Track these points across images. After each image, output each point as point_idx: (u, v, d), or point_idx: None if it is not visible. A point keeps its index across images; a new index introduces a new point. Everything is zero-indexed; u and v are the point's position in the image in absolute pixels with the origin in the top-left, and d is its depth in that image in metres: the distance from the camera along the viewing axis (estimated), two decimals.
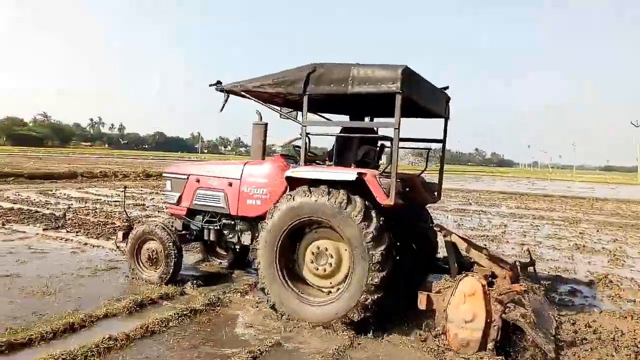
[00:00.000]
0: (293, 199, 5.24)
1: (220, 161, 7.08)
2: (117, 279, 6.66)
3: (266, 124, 5.82)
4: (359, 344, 4.83)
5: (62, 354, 4.06)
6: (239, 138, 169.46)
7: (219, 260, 7.78)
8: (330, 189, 5.06)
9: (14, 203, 13.84)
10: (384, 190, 4.93)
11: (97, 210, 13.09)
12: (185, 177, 6.79)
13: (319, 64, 5.27)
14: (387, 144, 6.32)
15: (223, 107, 6.10)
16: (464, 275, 4.72)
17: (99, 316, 5.04)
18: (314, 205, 5.10)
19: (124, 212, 8.44)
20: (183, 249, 6.61)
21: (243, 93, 5.85)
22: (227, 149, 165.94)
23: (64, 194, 16.90)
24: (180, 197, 6.82)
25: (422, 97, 5.45)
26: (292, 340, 4.85)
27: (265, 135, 5.85)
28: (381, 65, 4.98)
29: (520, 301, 4.63)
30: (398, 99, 4.83)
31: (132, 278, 6.60)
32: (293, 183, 5.43)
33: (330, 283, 5.31)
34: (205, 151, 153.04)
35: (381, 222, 4.90)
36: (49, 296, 5.80)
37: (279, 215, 5.30)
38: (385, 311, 5.17)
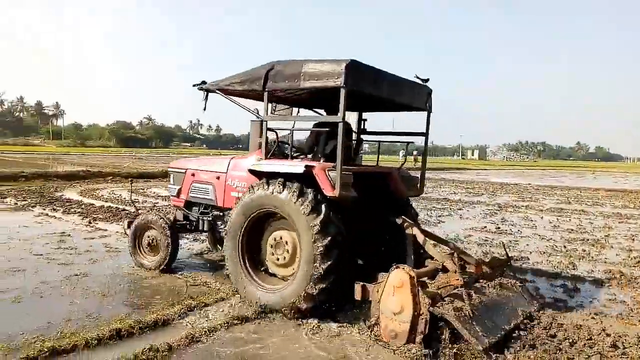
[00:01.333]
0: (253, 191, 5.57)
1: (212, 156, 7.41)
2: (175, 281, 6.55)
3: (262, 121, 5.92)
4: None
5: None
6: None
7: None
8: (286, 182, 5.31)
9: (105, 201, 14.57)
10: (330, 183, 5.08)
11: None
12: (184, 171, 7.31)
13: (277, 62, 5.56)
14: (368, 137, 7.08)
15: (205, 106, 6.42)
16: (394, 267, 4.69)
17: (149, 322, 4.85)
18: (270, 197, 5.38)
19: (132, 203, 9.34)
20: (179, 237, 7.22)
21: (218, 91, 6.16)
22: None
23: (154, 192, 17.61)
24: (179, 190, 7.36)
25: (382, 91, 5.54)
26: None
27: (262, 131, 5.96)
28: (329, 60, 5.14)
29: (460, 295, 4.67)
30: (342, 93, 4.95)
31: (134, 265, 7.13)
32: (257, 176, 5.70)
33: (293, 270, 5.42)
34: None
35: (329, 215, 5.06)
36: (107, 298, 5.77)
37: (241, 206, 5.67)
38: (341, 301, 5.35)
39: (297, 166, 5.33)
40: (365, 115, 7.04)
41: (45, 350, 4.13)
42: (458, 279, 4.86)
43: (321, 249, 4.99)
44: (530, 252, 9.26)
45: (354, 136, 6.85)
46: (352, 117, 6.83)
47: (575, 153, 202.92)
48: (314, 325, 5.10)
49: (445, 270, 5.23)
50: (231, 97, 6.23)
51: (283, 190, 5.28)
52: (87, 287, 6.11)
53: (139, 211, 8.15)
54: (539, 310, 5.62)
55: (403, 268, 4.64)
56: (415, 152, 52.17)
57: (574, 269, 8.06)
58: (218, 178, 6.69)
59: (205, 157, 8.25)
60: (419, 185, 6.49)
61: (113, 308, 5.42)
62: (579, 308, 5.98)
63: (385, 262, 5.13)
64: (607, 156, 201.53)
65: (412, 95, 6.08)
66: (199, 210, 7.16)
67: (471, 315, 4.51)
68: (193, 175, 7.13)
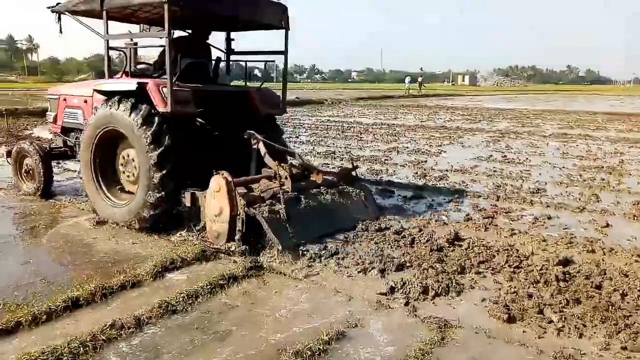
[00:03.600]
0: (97, 111, 5.78)
1: (83, 81, 7.63)
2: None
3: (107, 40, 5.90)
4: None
5: (43, 352, 3.01)
6: (314, 65, 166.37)
7: None
8: (122, 99, 5.45)
9: None
10: (163, 99, 5.23)
11: None
12: (57, 96, 7.26)
13: None
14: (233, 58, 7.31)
15: (60, 29, 6.33)
16: (215, 173, 4.99)
17: (114, 287, 3.97)
18: (110, 116, 5.55)
19: (8, 132, 9.75)
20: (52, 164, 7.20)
21: (67, 13, 6.06)
22: (302, 76, 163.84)
23: None
24: (55, 116, 7.32)
25: (220, 8, 5.70)
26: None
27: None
28: None
29: (279, 199, 4.98)
30: (166, 10, 5.02)
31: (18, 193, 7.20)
32: (104, 96, 5.80)
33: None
34: (281, 79, 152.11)
35: (161, 127, 5.25)
36: (70, 255, 4.87)
37: (88, 127, 5.88)
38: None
39: (131, 83, 5.48)
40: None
41: None
42: (281, 185, 5.18)
43: (154, 159, 5.20)
44: (546, 183, 8.44)
45: (221, 56, 7.14)
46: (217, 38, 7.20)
47: (565, 76, 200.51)
48: None
49: (277, 177, 5.42)
50: (79, 17, 6.14)
51: (119, 107, 5.44)
52: (49, 242, 5.21)
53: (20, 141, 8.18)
54: (377, 218, 5.90)
55: (221, 174, 4.93)
56: (420, 79, 50.63)
57: (598, 201, 7.26)
58: (85, 102, 6.63)
59: (78, 82, 8.18)
60: (280, 104, 6.68)
61: (75, 268, 4.53)
62: (618, 250, 5.19)
63: (237, 175, 5.30)
64: (597, 79, 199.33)
65: (265, 14, 6.12)
66: (75, 135, 6.99)
67: (285, 217, 4.88)
68: (65, 100, 7.10)
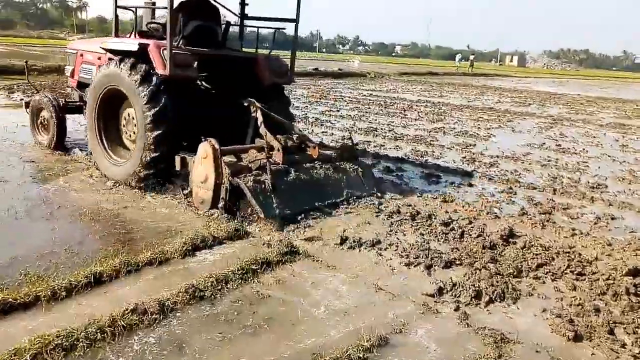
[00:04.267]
0: (101, 70, 5.89)
1: (99, 38, 7.36)
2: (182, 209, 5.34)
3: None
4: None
5: (58, 335, 2.75)
6: (357, 36, 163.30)
7: None
8: (124, 59, 5.49)
9: None
10: (163, 61, 5.23)
11: None
12: (75, 52, 7.37)
13: None
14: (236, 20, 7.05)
15: None
16: (203, 140, 4.94)
17: (140, 264, 3.71)
18: (112, 75, 5.62)
19: (30, 84, 9.13)
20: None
21: None
22: (345, 47, 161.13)
23: None
24: (72, 71, 7.47)
25: None
26: None
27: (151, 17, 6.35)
28: None
29: (265, 169, 4.93)
30: None
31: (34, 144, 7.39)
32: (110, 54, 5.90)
33: None
34: (324, 50, 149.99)
35: (159, 87, 5.27)
36: (98, 223, 4.65)
37: (92, 85, 6.03)
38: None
39: (133, 43, 5.52)
40: None
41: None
42: (268, 156, 5.07)
43: (150, 118, 5.23)
44: (606, 178, 7.77)
45: (234, 21, 7.10)
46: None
47: (620, 62, 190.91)
48: None
49: (271, 148, 5.32)
50: None
51: (120, 66, 5.48)
52: (79, 207, 5.00)
53: (38, 92, 8.12)
54: (374, 194, 5.77)
55: (209, 141, 4.88)
56: (472, 57, 49.77)
57: None
58: (99, 58, 6.57)
59: (96, 38, 8.25)
60: (288, 73, 6.49)
61: (102, 239, 4.30)
62: None
63: (235, 143, 5.44)
64: None
65: None
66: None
67: (270, 188, 4.84)
68: (82, 55, 7.16)
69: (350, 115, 13.13)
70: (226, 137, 5.44)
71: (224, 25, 6.70)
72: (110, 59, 5.82)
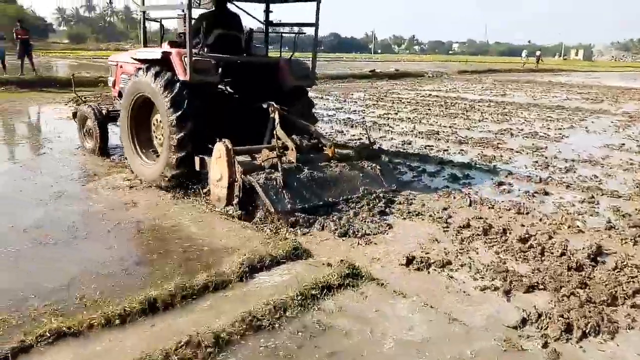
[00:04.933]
0: (131, 78, 6.31)
1: (138, 49, 7.28)
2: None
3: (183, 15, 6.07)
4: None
5: None
6: (414, 36, 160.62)
7: None
8: (150, 67, 5.84)
9: None
10: (184, 68, 5.50)
11: None
12: (115, 63, 7.74)
13: None
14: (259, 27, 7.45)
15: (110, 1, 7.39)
16: (218, 141, 5.15)
17: (195, 288, 3.52)
18: (139, 82, 5.98)
19: (76, 95, 9.41)
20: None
21: None
22: (400, 47, 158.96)
23: None
24: (114, 81, 7.85)
25: None
26: None
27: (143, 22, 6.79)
28: None
29: (276, 167, 5.11)
30: None
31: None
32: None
33: None
34: (379, 51, 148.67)
35: (182, 93, 5.55)
36: (155, 242, 4.54)
37: (125, 93, 6.42)
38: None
39: (156, 52, 5.88)
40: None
41: (48, 334, 2.92)
42: (279, 155, 5.17)
43: (174, 121, 5.52)
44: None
45: (256, 28, 7.40)
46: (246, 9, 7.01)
47: None
48: None
49: (285, 148, 5.47)
50: None
51: (147, 74, 5.83)
52: (137, 223, 4.93)
53: (84, 103, 8.65)
54: (390, 192, 5.82)
55: (223, 142, 5.11)
56: (538, 53, 48.38)
57: None
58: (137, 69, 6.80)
59: (133, 50, 8.40)
60: (309, 75, 6.68)
61: (159, 258, 4.16)
62: None
63: (255, 144, 5.66)
64: None
65: None
66: None
67: (282, 185, 5.01)
68: (121, 67, 7.44)
69: (409, 118, 12.68)
70: (247, 139, 5.76)
71: (247, 33, 7.00)
72: (139, 68, 6.19)
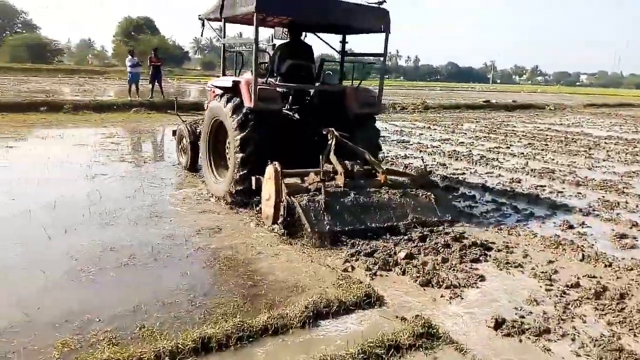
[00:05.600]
0: (210, 103, 7.17)
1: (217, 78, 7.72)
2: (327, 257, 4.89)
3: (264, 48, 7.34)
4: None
5: None
6: (537, 66, 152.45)
7: None
8: (224, 94, 6.52)
9: None
10: (250, 96, 6.01)
11: None
12: (210, 88, 8.20)
13: None
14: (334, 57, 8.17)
15: (202, 33, 7.84)
16: (269, 163, 5.46)
17: (253, 330, 3.29)
18: (216, 107, 6.67)
19: (178, 117, 9.73)
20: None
21: (206, 20, 7.28)
22: (522, 78, 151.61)
23: None
24: (207, 104, 8.10)
25: (306, 16, 6.42)
26: None
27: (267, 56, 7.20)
28: None
29: (321, 190, 5.34)
30: (254, 17, 5.69)
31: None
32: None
33: None
34: (498, 81, 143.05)
35: (247, 117, 6.10)
36: (228, 271, 4.42)
37: (206, 116, 7.16)
38: None
39: (228, 81, 6.51)
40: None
41: None
42: (322, 179, 5.43)
43: (238, 142, 6.05)
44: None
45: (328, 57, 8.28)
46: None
47: None
48: None
49: (335, 172, 5.78)
50: (211, 23, 7.41)
51: (221, 100, 6.47)
52: (215, 251, 4.88)
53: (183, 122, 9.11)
54: (441, 221, 5.69)
55: (273, 164, 5.37)
56: None
57: None
58: (214, 96, 7.40)
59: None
60: (375, 103, 6.87)
61: (227, 291, 4.01)
62: None
63: (314, 167, 5.77)
64: None
65: (361, 19, 6.39)
66: None
67: (323, 207, 5.19)
68: (213, 91, 7.81)
69: (522, 153, 11.73)
70: (312, 162, 5.95)
71: (316, 64, 7.40)
72: (216, 94, 6.97)
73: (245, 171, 6.03)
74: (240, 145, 6.04)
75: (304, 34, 7.33)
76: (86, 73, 46.10)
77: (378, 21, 6.48)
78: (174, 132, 9.06)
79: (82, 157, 9.29)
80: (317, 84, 7.12)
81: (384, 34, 6.49)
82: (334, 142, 6.03)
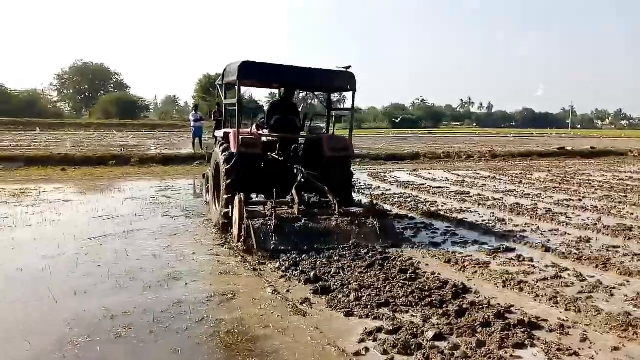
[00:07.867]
0: (214, 150, 8.94)
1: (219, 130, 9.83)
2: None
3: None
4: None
5: None
6: (620, 109, 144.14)
7: None
8: (223, 142, 8.13)
9: None
10: (235, 143, 7.51)
11: (405, 199, 11.17)
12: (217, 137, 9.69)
13: (228, 64, 8.10)
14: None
15: (218, 95, 10.13)
16: (237, 194, 6.82)
17: None
18: (216, 152, 8.38)
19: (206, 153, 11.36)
20: None
21: (218, 85, 8.99)
22: (604, 122, 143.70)
23: (394, 177, 15.86)
24: None
25: (282, 83, 8.87)
26: None
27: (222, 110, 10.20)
28: (234, 62, 7.72)
29: (278, 216, 6.57)
30: (237, 85, 7.59)
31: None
32: None
33: None
34: (579, 126, 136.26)
35: (231, 161, 7.51)
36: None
37: (212, 160, 9.01)
38: None
39: (222, 132, 8.40)
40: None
41: None
42: (273, 207, 6.66)
43: (224, 172, 7.57)
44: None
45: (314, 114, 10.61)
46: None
47: None
48: None
49: (293, 201, 7.05)
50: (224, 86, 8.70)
51: (218, 147, 8.18)
52: (218, 323, 4.41)
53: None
54: (385, 247, 6.54)
55: (239, 194, 6.76)
56: None
57: None
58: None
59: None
60: (348, 148, 8.16)
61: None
62: None
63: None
64: None
65: (332, 81, 8.37)
66: None
67: (272, 230, 6.39)
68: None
69: (595, 207, 10.51)
70: (282, 193, 7.27)
71: (301, 118, 9.04)
72: (217, 143, 8.80)
73: (229, 195, 7.25)
74: (225, 174, 7.54)
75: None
76: (167, 127, 48.86)
77: (346, 82, 8.11)
78: (204, 175, 10.46)
79: (128, 211, 9.34)
80: (302, 133, 8.66)
81: (351, 92, 8.19)
82: (299, 178, 7.47)
